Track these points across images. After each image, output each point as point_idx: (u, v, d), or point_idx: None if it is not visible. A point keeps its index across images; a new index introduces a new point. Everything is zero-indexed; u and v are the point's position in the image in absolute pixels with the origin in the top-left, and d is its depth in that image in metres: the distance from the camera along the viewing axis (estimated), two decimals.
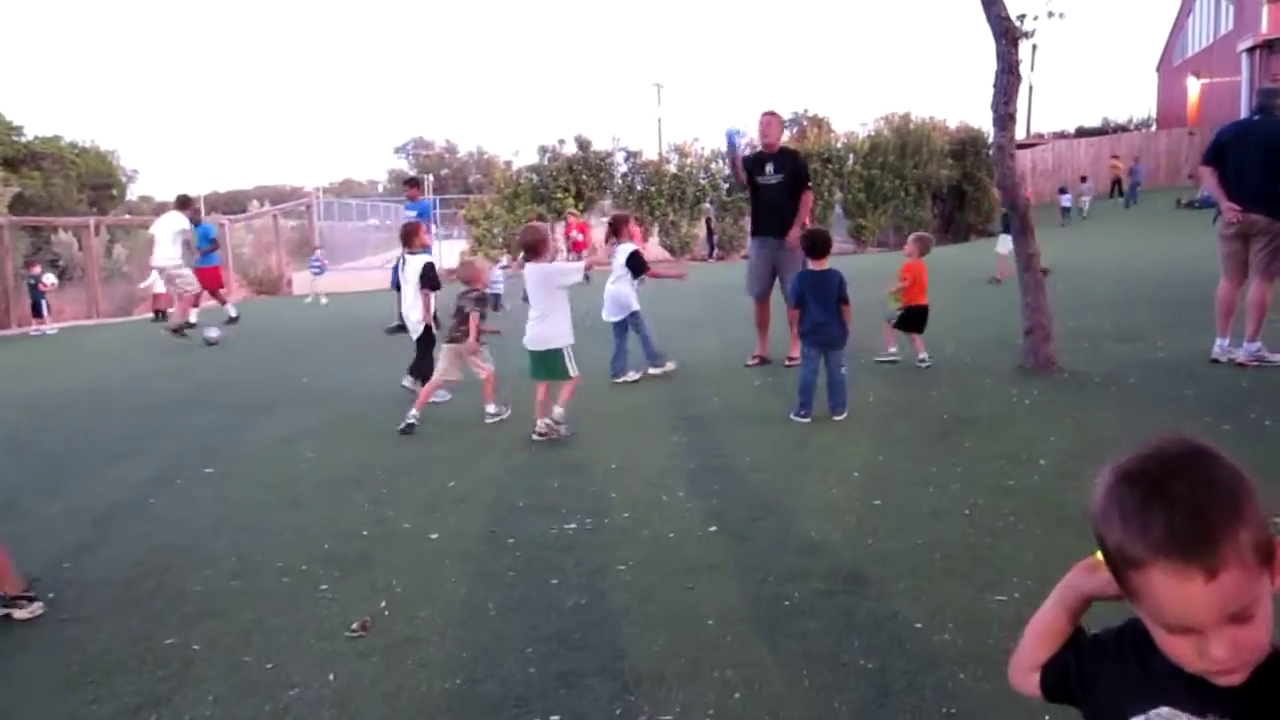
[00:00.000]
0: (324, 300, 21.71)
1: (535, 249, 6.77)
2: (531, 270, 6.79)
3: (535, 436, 6.60)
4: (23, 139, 33.56)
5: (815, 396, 6.67)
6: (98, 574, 4.54)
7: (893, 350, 8.71)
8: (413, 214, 13.53)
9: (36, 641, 3.83)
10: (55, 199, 31.17)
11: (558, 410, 6.61)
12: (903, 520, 4.57)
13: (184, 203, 14.76)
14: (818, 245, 6.81)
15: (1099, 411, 6.42)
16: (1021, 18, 8.00)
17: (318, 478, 6.07)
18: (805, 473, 5.48)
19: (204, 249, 15.58)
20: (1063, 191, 32.17)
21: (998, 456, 5.50)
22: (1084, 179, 35.00)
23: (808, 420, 6.57)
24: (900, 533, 4.41)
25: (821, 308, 6.63)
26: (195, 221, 15.02)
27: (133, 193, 58.46)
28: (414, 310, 8.39)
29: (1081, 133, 53.55)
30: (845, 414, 6.64)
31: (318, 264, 22.93)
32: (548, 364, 6.68)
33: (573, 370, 6.70)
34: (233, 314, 15.77)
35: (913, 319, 8.62)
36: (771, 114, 9.25)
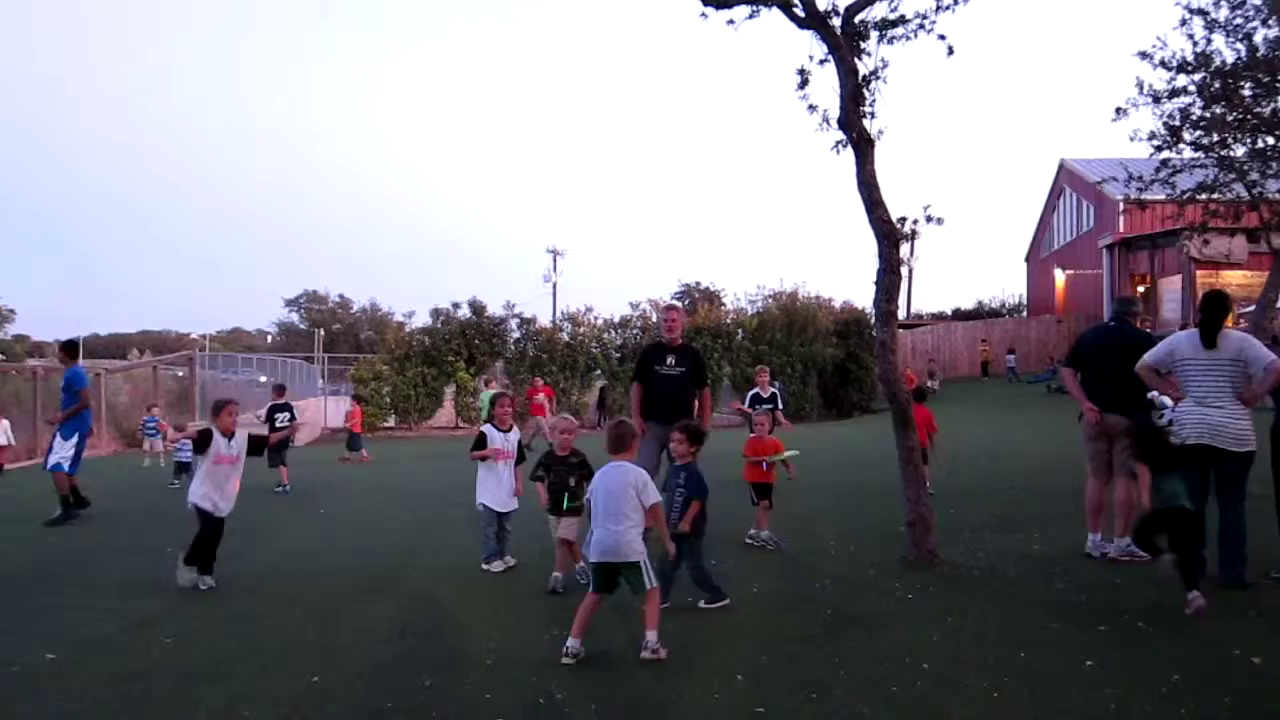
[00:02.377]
0: (161, 463, 19.56)
1: (628, 446, 6.21)
2: (615, 472, 6.02)
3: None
4: None
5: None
6: None
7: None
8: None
9: None
10: None
11: (651, 635, 5.68)
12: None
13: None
14: (695, 438, 6.97)
15: (979, 610, 6.44)
16: (902, 220, 8.39)
17: (174, 669, 5.68)
18: (687, 674, 5.34)
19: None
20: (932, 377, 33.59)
21: (881, 659, 5.45)
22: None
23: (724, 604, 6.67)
24: None
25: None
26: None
27: (7, 332, 56.53)
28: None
29: (959, 315, 56.08)
30: (709, 603, 6.68)
31: (153, 424, 20.44)
32: (627, 576, 5.85)
33: (650, 581, 5.85)
34: None
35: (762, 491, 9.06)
36: (675, 309, 9.87)
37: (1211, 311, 6.91)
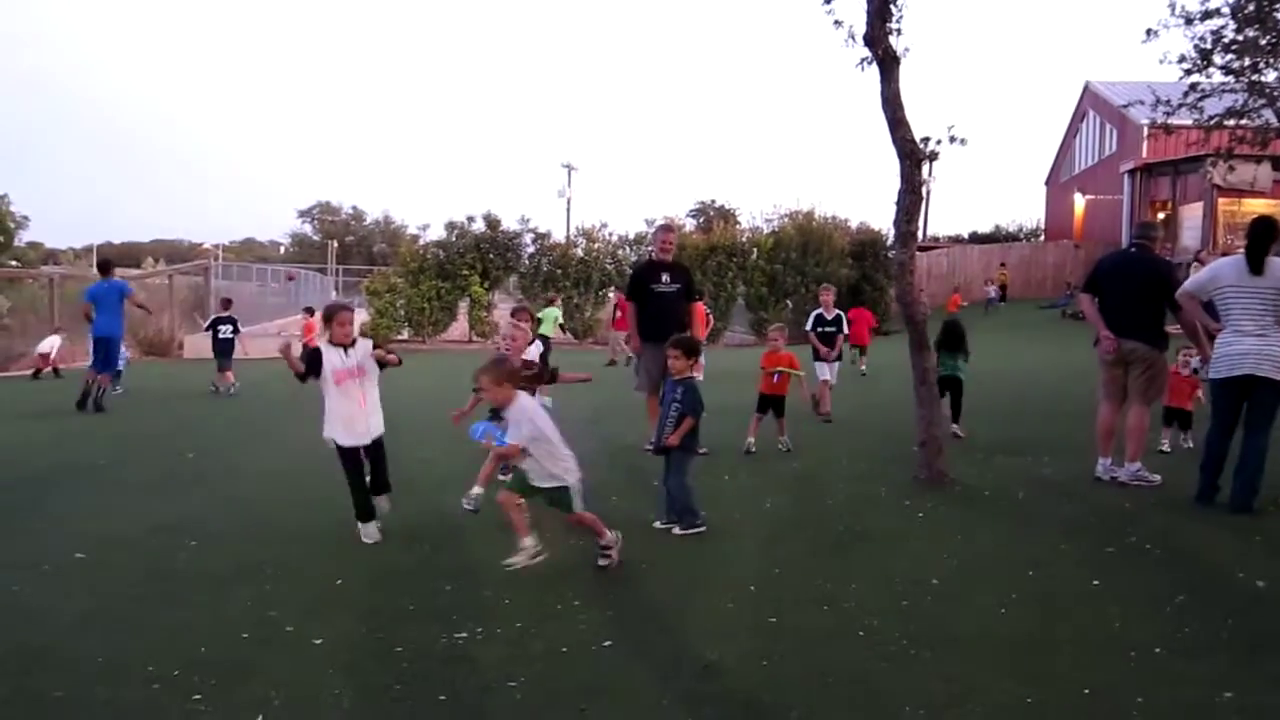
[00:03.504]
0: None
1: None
2: None
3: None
4: None
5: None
6: None
7: (750, 440, 9.49)
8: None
9: None
10: None
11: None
12: (798, 642, 4.56)
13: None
14: (691, 353, 6.79)
15: (988, 529, 6.55)
16: (925, 140, 8.31)
17: (198, 569, 5.82)
18: (701, 586, 5.45)
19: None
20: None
21: (891, 575, 5.55)
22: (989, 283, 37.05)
23: (698, 531, 6.52)
24: (795, 655, 4.39)
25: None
26: None
27: (21, 239, 56.52)
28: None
29: (975, 239, 55.60)
30: (684, 529, 6.51)
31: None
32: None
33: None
34: None
35: (772, 405, 9.66)
36: (671, 230, 10.03)
37: (1260, 238, 6.81)
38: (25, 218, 53.09)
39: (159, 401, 15.37)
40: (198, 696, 3.99)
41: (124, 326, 14.64)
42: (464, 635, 4.68)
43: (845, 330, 12.94)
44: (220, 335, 16.73)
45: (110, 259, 16.23)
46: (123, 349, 15.27)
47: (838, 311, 12.83)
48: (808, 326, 12.76)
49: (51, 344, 19.34)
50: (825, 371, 12.22)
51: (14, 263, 35.85)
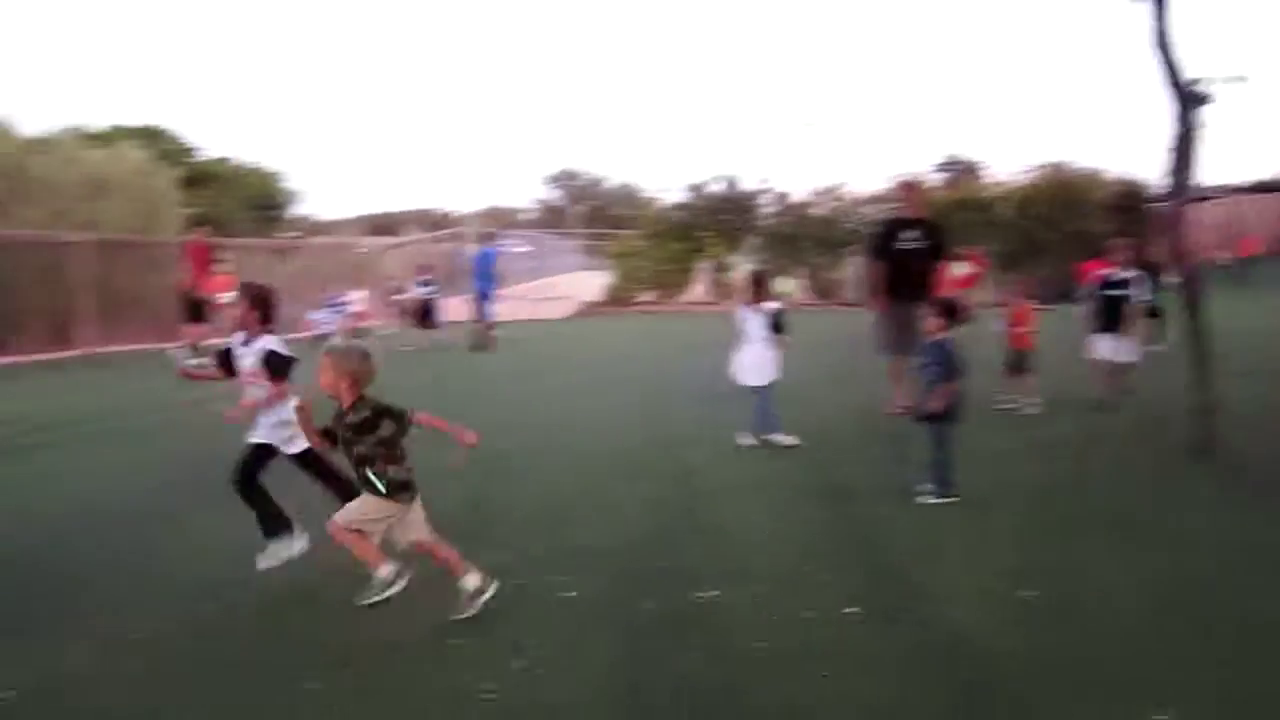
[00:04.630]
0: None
1: None
2: None
3: None
4: (198, 160, 35.54)
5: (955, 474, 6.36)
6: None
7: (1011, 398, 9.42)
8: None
9: None
10: (224, 218, 32.76)
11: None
12: (1051, 618, 4.33)
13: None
14: (949, 313, 6.50)
15: (1256, 513, 5.98)
16: (1198, 81, 7.61)
17: (460, 525, 6.12)
18: (951, 556, 5.27)
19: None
20: None
21: (1158, 557, 5.18)
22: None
23: (951, 501, 6.25)
24: (1048, 632, 4.17)
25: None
26: None
27: (297, 212, 61.14)
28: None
29: (1259, 187, 50.79)
30: (937, 497, 6.24)
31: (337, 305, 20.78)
32: None
33: None
34: None
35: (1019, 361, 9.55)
36: (909, 184, 9.67)
37: None
38: (299, 191, 57.37)
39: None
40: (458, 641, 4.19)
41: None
42: (715, 594, 4.72)
43: (1134, 294, 9.69)
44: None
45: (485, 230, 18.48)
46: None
47: (1132, 273, 9.81)
48: (1088, 291, 10.14)
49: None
50: (1111, 348, 9.59)
51: (292, 234, 38.74)
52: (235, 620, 4.64)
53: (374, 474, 4.39)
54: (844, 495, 6.52)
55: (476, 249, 20.21)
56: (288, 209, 41.37)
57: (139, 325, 20.00)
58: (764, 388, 8.25)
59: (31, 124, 31.28)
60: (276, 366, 5.22)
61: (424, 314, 19.07)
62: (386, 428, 4.37)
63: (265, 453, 5.26)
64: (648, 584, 4.90)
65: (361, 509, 4.43)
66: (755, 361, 8.25)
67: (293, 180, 41.23)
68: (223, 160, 37.52)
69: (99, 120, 34.87)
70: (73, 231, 19.72)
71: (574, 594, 4.79)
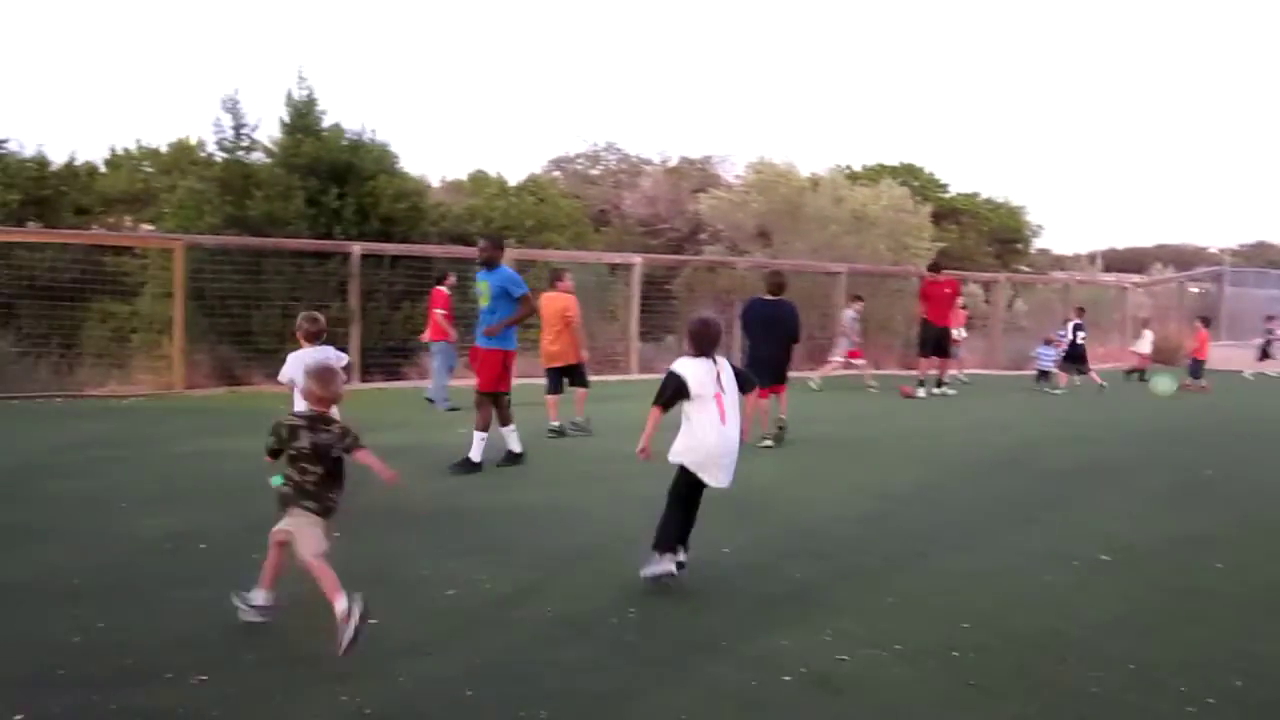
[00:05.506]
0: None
1: None
2: None
3: None
4: (947, 196, 36.84)
5: None
6: (990, 641, 4.71)
7: None
8: None
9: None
10: (967, 252, 33.56)
11: None
12: None
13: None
14: None
15: None
16: None
17: (1221, 591, 5.60)
18: None
19: None
20: None
21: None
22: None
23: None
24: None
25: None
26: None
27: (1035, 247, 60.42)
28: None
29: None
30: None
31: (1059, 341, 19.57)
32: None
33: None
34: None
35: None
36: None
37: None
38: (1040, 226, 56.56)
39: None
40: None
41: None
42: None
43: None
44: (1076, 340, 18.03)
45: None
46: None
47: None
48: None
49: (1147, 341, 21.27)
50: None
51: (1026, 268, 38.43)
52: None
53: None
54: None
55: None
56: (1029, 243, 41.10)
57: (885, 350, 21.38)
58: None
59: (808, 165, 34.95)
60: None
61: (1073, 356, 18.18)
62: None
63: None
64: None
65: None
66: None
67: (1034, 214, 40.72)
68: (970, 196, 38.47)
69: (864, 159, 37.86)
70: (835, 262, 21.72)
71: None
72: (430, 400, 13.26)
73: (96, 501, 7.27)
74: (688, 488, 5.46)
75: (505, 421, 8.85)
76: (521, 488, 8.06)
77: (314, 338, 7.01)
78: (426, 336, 13.85)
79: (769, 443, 10.28)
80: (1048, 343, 19.22)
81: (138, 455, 9.08)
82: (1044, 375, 18.76)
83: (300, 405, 5.53)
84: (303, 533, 4.54)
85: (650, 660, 4.37)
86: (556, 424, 10.77)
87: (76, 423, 11.35)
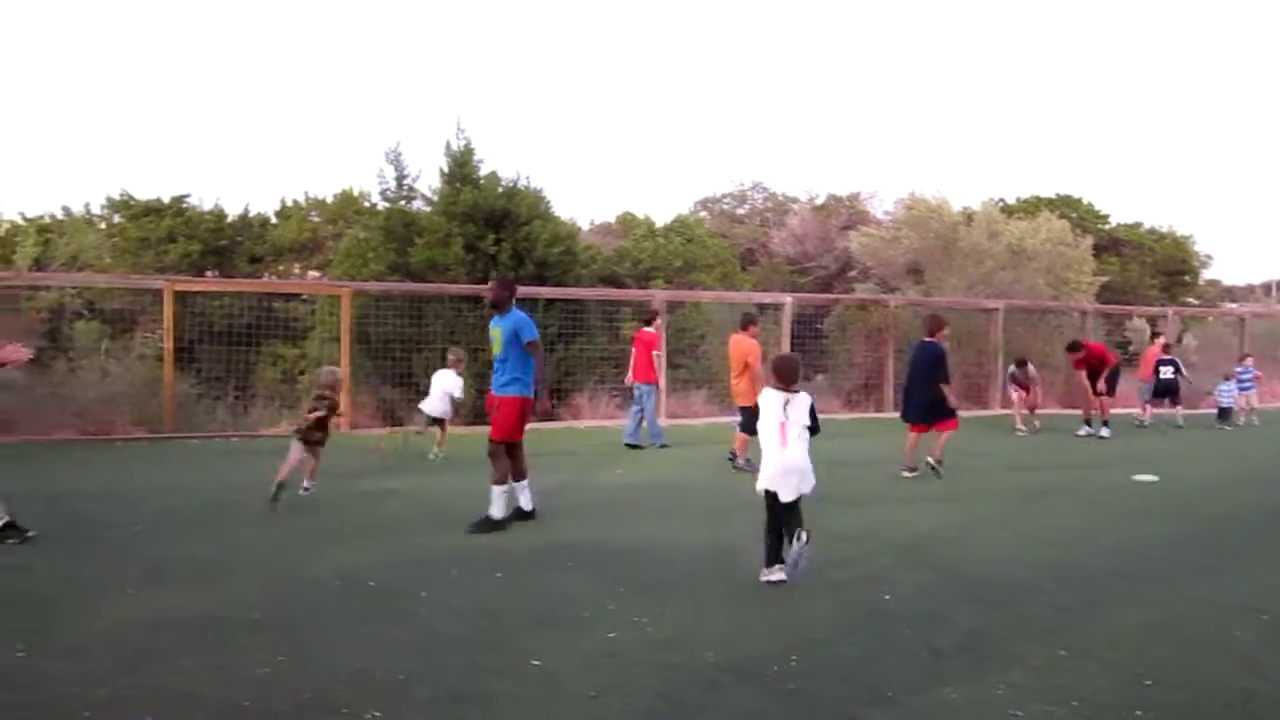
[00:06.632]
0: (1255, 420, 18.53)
1: None
2: None
3: None
4: (1108, 227, 35.56)
5: None
6: (1174, 699, 4.47)
7: None
8: None
9: None
10: (1130, 285, 32.28)
11: None
12: None
13: None
14: None
15: None
16: None
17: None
18: None
19: None
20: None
21: None
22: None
23: None
24: None
25: None
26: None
27: (1204, 278, 57.68)
28: None
29: None
30: None
31: (1248, 376, 18.88)
32: None
33: None
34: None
35: None
36: None
37: None
38: (1209, 256, 54.03)
39: None
40: None
41: None
42: None
43: None
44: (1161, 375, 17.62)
45: None
46: None
47: None
48: None
49: None
50: None
51: (1194, 300, 36.71)
52: None
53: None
54: None
55: None
56: (1197, 274, 39.25)
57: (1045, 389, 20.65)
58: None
59: (961, 199, 34.29)
60: None
61: (1165, 392, 17.70)
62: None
63: None
64: None
65: None
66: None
67: (1202, 244, 38.91)
68: (1133, 226, 37.06)
69: (1020, 192, 36.89)
70: (991, 298, 21.17)
71: None
72: (635, 445, 13.54)
73: (276, 538, 7.64)
74: (768, 504, 6.33)
75: (520, 475, 8.26)
76: (680, 522, 8.09)
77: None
78: (631, 379, 14.11)
79: (907, 474, 10.91)
80: (1227, 379, 18.34)
81: (310, 493, 9.49)
82: (1224, 413, 17.88)
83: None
84: None
85: (815, 711, 4.31)
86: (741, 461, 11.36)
87: (253, 460, 11.93)
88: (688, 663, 4.87)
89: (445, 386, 12.42)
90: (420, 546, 7.29)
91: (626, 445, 13.43)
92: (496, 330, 8.21)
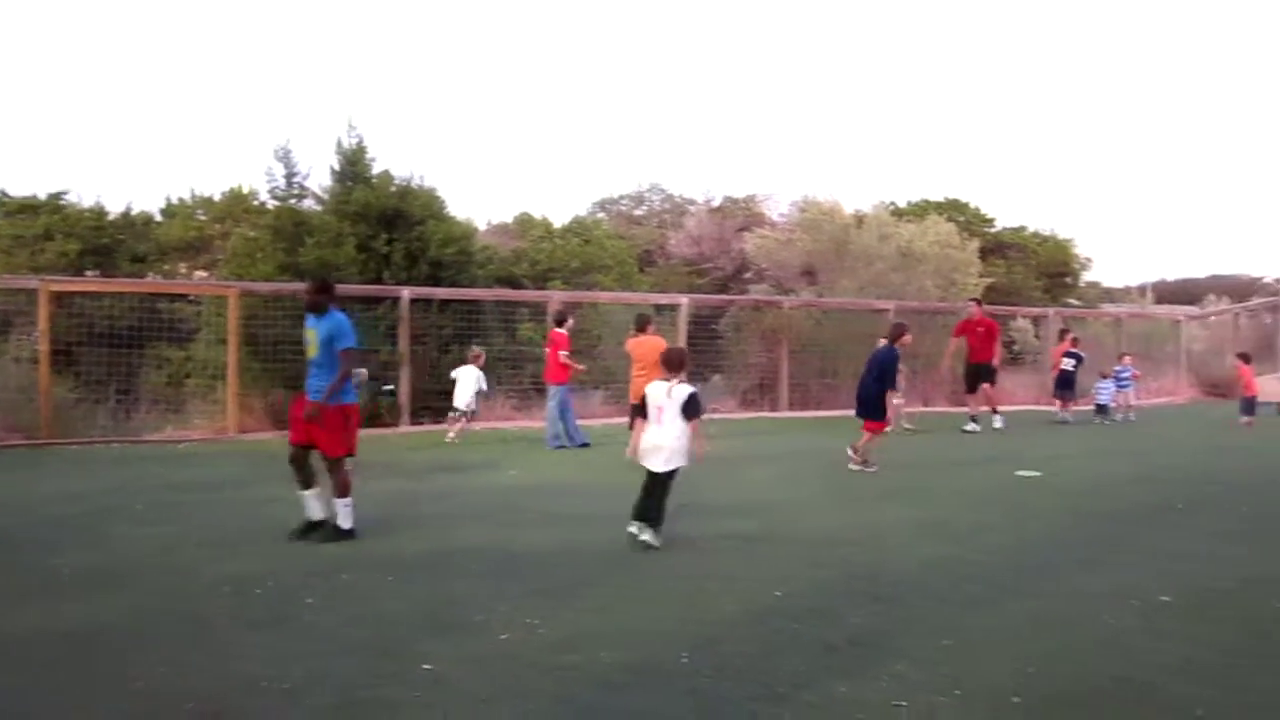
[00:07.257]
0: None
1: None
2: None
3: None
4: (993, 230, 36.57)
5: None
6: (1054, 686, 4.62)
7: None
8: None
9: None
10: (1015, 286, 33.23)
11: None
12: None
13: None
14: None
15: None
16: None
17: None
18: None
19: None
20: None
21: None
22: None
23: None
24: None
25: None
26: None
27: (1084, 279, 59.70)
28: None
29: None
30: None
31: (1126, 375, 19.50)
32: None
33: None
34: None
35: None
36: None
37: None
38: (1089, 259, 55.93)
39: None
40: None
41: None
42: None
43: None
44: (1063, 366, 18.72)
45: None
46: None
47: None
48: None
49: None
50: None
51: (1076, 301, 38.00)
52: None
53: None
54: None
55: None
56: (1078, 276, 40.64)
57: (930, 388, 21.13)
58: None
59: (853, 202, 34.90)
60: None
61: (1066, 384, 18.70)
62: None
63: None
64: None
65: None
66: None
67: (1083, 247, 40.12)
68: (1018, 230, 38.20)
69: (909, 195, 37.73)
70: (882, 299, 21.66)
71: None
72: (561, 446, 13.60)
73: (164, 546, 7.43)
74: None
75: (339, 491, 7.69)
76: (575, 524, 8.08)
77: None
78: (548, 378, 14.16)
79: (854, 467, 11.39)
80: (1105, 377, 19.02)
81: (197, 500, 9.22)
82: (1101, 409, 18.56)
83: None
84: None
85: (710, 708, 4.33)
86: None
87: (137, 466, 11.55)
88: (583, 664, 4.86)
89: (473, 381, 14.31)
90: (310, 552, 7.16)
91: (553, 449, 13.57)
92: (311, 332, 7.79)
